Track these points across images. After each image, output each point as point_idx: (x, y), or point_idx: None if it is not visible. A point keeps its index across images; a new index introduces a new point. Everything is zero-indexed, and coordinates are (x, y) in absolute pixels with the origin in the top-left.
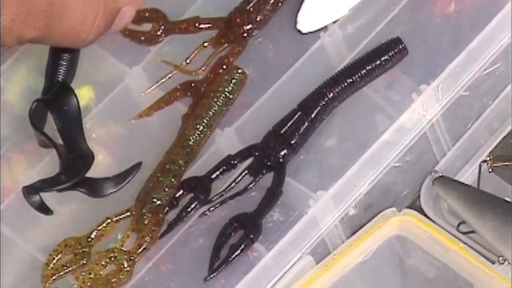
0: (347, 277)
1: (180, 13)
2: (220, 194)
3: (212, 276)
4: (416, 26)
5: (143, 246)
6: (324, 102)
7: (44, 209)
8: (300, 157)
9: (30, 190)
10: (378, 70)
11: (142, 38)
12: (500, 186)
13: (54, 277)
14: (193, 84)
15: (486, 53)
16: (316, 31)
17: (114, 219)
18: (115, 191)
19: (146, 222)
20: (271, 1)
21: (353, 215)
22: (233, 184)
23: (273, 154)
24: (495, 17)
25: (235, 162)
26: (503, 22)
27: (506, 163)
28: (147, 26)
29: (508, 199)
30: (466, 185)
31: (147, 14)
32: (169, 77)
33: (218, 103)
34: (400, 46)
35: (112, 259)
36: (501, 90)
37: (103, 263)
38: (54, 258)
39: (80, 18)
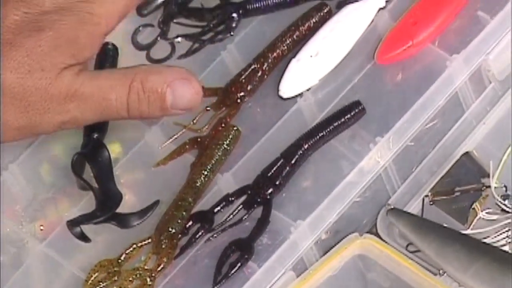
0: (325, 280)
1: None
2: (221, 224)
3: (217, 286)
4: (372, 91)
5: (162, 266)
6: (301, 152)
7: (83, 238)
8: (283, 195)
9: (72, 223)
10: (342, 126)
11: None
12: (440, 215)
13: None
14: (198, 139)
15: (426, 112)
16: (294, 97)
17: (139, 244)
18: (139, 223)
19: (163, 246)
20: (259, 74)
21: (325, 239)
22: (231, 216)
23: (262, 192)
24: (433, 84)
25: (232, 199)
26: (440, 87)
27: (443, 197)
28: None
29: (446, 225)
30: (413, 214)
31: None
32: (180, 134)
33: (218, 153)
34: (360, 107)
35: (137, 276)
36: (439, 140)
37: (130, 279)
38: (92, 276)
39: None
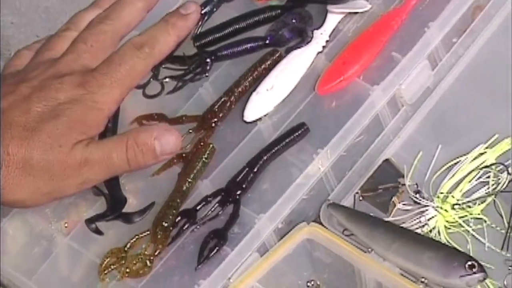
0: (280, 264)
1: (175, 112)
2: (202, 219)
3: (199, 266)
4: (314, 115)
5: (158, 251)
6: (261, 162)
7: (98, 232)
8: (249, 195)
9: (89, 221)
10: (292, 142)
11: None
12: (367, 207)
13: (105, 272)
14: (183, 155)
15: (355, 130)
16: (255, 121)
17: (140, 236)
18: (139, 220)
19: (159, 237)
20: (228, 104)
21: (281, 227)
22: (209, 212)
23: (232, 193)
24: (360, 108)
25: (210, 199)
26: (365, 111)
27: (370, 194)
28: None
29: (372, 214)
30: (347, 207)
31: (155, 116)
32: None
33: (199, 165)
34: (305, 127)
35: (140, 260)
36: (365, 151)
37: (134, 262)
38: (105, 261)
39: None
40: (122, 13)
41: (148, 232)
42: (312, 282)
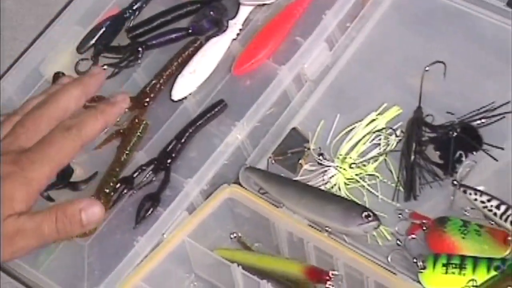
0: (206, 220)
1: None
2: (138, 184)
3: (137, 225)
4: (231, 93)
5: None
6: (187, 134)
7: (50, 199)
8: (178, 162)
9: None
10: (213, 116)
11: None
12: (279, 169)
13: None
14: (121, 131)
15: (266, 104)
16: (181, 99)
17: None
18: (85, 187)
19: (102, 201)
20: (158, 86)
21: (206, 189)
22: (145, 178)
23: (164, 162)
24: (270, 85)
25: (145, 167)
26: (274, 87)
27: (280, 157)
28: None
29: (283, 175)
30: (262, 169)
31: (96, 98)
32: (110, 128)
33: (134, 139)
34: (223, 104)
35: None
36: (275, 121)
37: None
38: None
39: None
40: (59, 99)
41: (93, 198)
42: (234, 234)
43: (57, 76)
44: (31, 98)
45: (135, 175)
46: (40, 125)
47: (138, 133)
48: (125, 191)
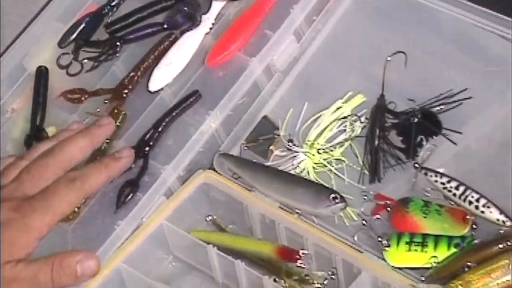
0: (183, 204)
1: (93, 86)
2: None
3: (117, 210)
4: (205, 84)
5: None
6: (164, 123)
7: None
8: (156, 150)
9: None
10: (188, 106)
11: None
12: (251, 155)
13: None
14: None
15: (238, 94)
16: (157, 90)
17: None
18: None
19: None
20: (135, 78)
21: (183, 175)
22: None
23: (142, 150)
24: (241, 76)
25: None
26: (245, 78)
27: (252, 144)
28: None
29: (255, 160)
30: (235, 156)
31: (77, 90)
32: (90, 118)
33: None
34: (198, 94)
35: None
36: (247, 109)
37: None
38: None
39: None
40: (66, 149)
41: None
42: (210, 217)
43: (40, 69)
44: (39, 144)
45: None
46: (45, 174)
47: (118, 123)
48: None
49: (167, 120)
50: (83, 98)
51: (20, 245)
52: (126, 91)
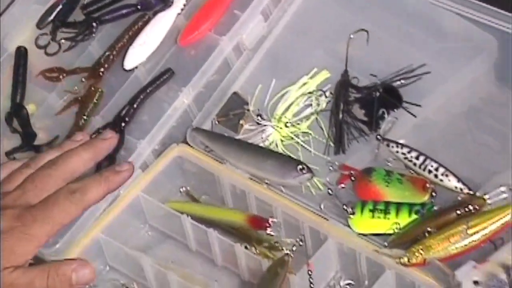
0: (158, 176)
1: (71, 65)
2: None
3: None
4: (177, 61)
5: None
6: (139, 100)
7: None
8: (131, 125)
9: (9, 153)
10: (162, 83)
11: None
12: (222, 129)
13: None
14: (79, 98)
15: (209, 70)
16: (132, 69)
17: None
18: (46, 144)
19: None
20: (111, 57)
21: (157, 149)
22: None
23: (118, 125)
24: (212, 54)
25: (101, 131)
26: (216, 56)
27: (223, 118)
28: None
29: (226, 134)
30: (207, 130)
31: (55, 69)
32: (69, 96)
33: (91, 106)
34: (171, 71)
35: None
36: (218, 86)
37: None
38: None
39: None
40: (69, 161)
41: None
42: (183, 188)
43: (19, 49)
44: (45, 153)
45: (93, 136)
46: (48, 184)
47: (95, 100)
48: None
49: (141, 96)
50: (61, 77)
51: (19, 252)
52: (102, 69)
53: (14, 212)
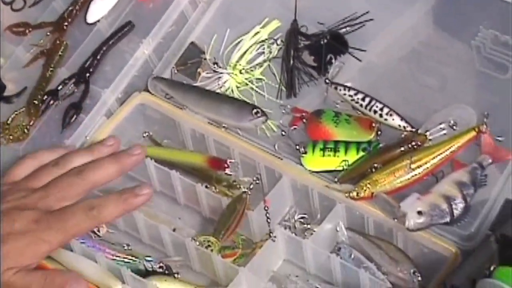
0: (122, 123)
1: (36, 20)
2: (63, 96)
3: (63, 130)
4: (137, 15)
5: (32, 122)
6: (102, 51)
7: None
8: (95, 76)
9: None
10: (123, 35)
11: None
12: (180, 77)
13: None
14: (45, 51)
15: (168, 22)
16: (95, 22)
17: (18, 112)
18: (16, 100)
19: (32, 111)
20: (74, 11)
21: (121, 97)
22: (67, 91)
23: (83, 76)
24: (170, 6)
25: (67, 81)
26: (174, 8)
27: (182, 67)
28: None
29: (185, 82)
30: (167, 78)
31: (21, 24)
32: (35, 49)
33: (57, 58)
34: (131, 24)
35: (19, 129)
36: (176, 37)
37: (15, 131)
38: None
39: None
40: (95, 173)
41: (24, 109)
42: (146, 133)
43: None
44: (72, 152)
45: (59, 88)
46: (70, 192)
47: (60, 53)
48: (51, 102)
49: (104, 48)
50: (27, 31)
51: (28, 255)
52: (66, 23)
53: (33, 215)
